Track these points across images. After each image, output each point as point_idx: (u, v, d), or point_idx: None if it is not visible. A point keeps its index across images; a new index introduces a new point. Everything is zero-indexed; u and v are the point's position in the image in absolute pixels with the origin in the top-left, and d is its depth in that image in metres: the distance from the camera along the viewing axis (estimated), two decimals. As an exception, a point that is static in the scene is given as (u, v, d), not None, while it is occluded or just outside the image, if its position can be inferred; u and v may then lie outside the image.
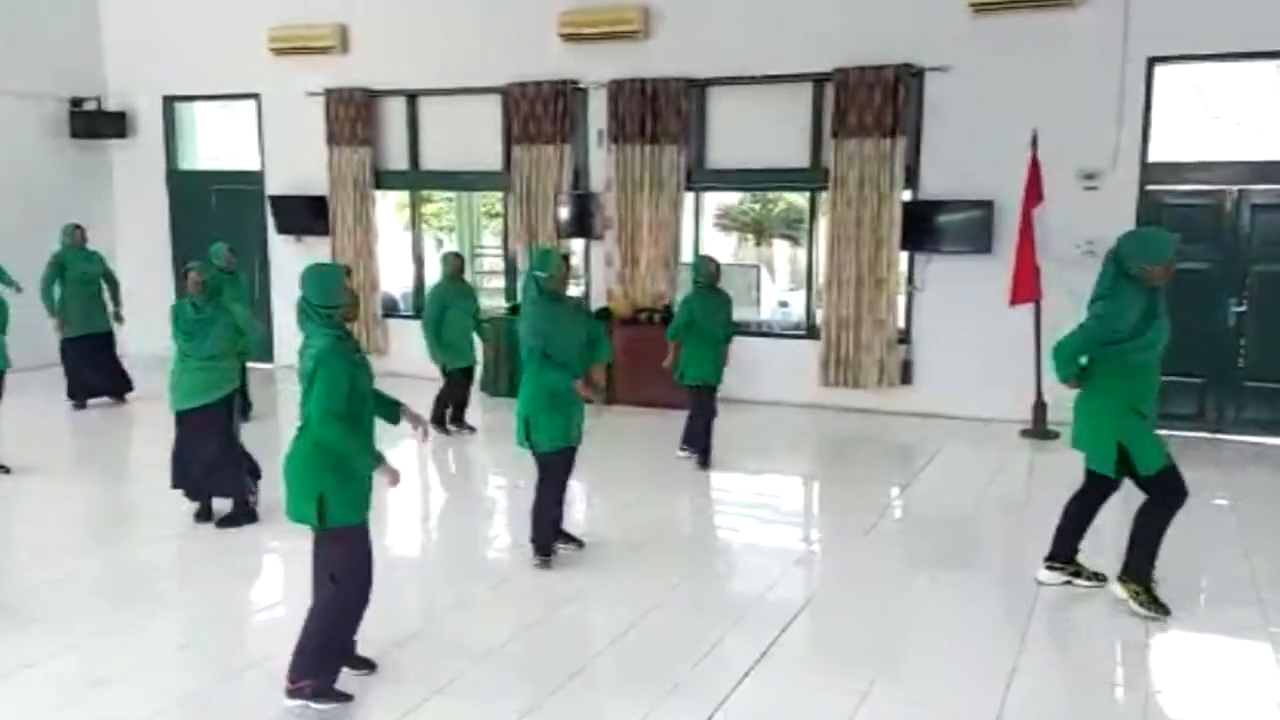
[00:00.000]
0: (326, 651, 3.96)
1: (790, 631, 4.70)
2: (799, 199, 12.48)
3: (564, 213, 10.07)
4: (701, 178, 9.89)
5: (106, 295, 9.41)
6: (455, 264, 8.60)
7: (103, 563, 5.74)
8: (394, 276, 11.47)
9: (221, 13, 11.10)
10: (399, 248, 11.54)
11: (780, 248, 14.75)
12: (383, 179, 10.97)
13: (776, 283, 13.55)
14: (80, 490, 7.23)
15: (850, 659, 4.53)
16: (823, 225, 9.51)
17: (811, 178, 9.43)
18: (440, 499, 7.49)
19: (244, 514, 6.22)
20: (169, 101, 11.71)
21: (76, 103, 11.46)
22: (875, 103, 8.80)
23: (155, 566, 5.71)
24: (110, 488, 7.40)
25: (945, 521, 6.56)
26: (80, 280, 9.18)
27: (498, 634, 4.78)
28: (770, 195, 12.85)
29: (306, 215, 11.02)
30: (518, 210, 10.33)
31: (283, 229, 11.13)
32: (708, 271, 7.37)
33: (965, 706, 4.04)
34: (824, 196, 9.38)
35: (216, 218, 11.47)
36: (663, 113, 9.63)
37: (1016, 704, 4.06)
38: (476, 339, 8.61)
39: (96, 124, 11.54)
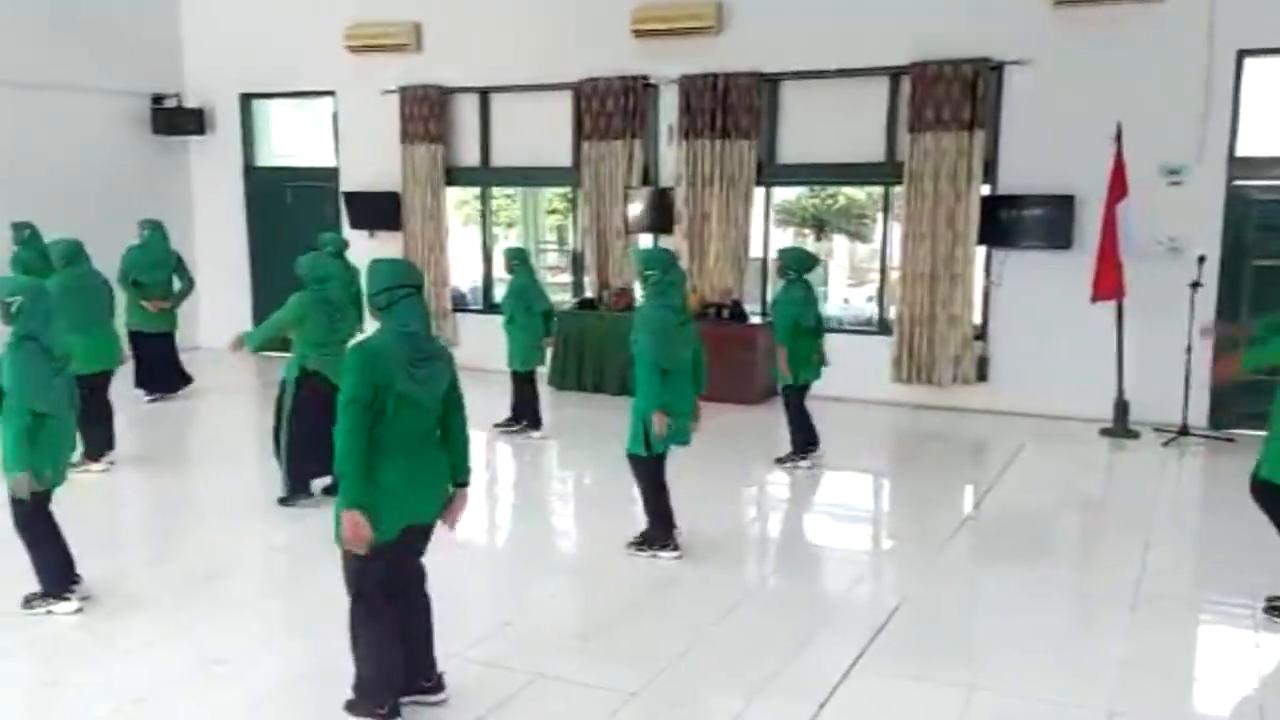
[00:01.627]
0: None
1: (887, 629, 4.68)
2: (859, 193, 12.43)
3: (633, 208, 10.12)
4: (773, 173, 9.87)
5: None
6: (507, 261, 8.21)
7: (199, 548, 5.84)
8: (463, 271, 11.62)
9: (298, 11, 11.28)
10: (466, 243, 11.66)
11: (840, 242, 14.66)
12: (454, 175, 11.10)
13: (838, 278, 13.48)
14: (169, 479, 7.38)
15: (950, 656, 4.51)
16: (897, 220, 9.45)
17: (886, 172, 9.37)
18: (515, 495, 7.50)
19: (289, 496, 6.32)
20: (246, 99, 11.95)
21: (157, 99, 11.72)
22: (953, 97, 8.71)
23: (252, 551, 5.85)
24: (201, 477, 7.57)
25: (1032, 521, 6.49)
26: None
27: (586, 624, 4.86)
28: (829, 189, 12.78)
29: (380, 211, 11.19)
30: (587, 206, 10.40)
31: (356, 224, 11.31)
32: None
33: (1076, 700, 4.01)
34: (897, 190, 9.33)
35: (292, 214, 11.69)
36: (734, 108, 9.62)
37: (1128, 697, 4.03)
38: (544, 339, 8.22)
39: (176, 120, 11.79)
